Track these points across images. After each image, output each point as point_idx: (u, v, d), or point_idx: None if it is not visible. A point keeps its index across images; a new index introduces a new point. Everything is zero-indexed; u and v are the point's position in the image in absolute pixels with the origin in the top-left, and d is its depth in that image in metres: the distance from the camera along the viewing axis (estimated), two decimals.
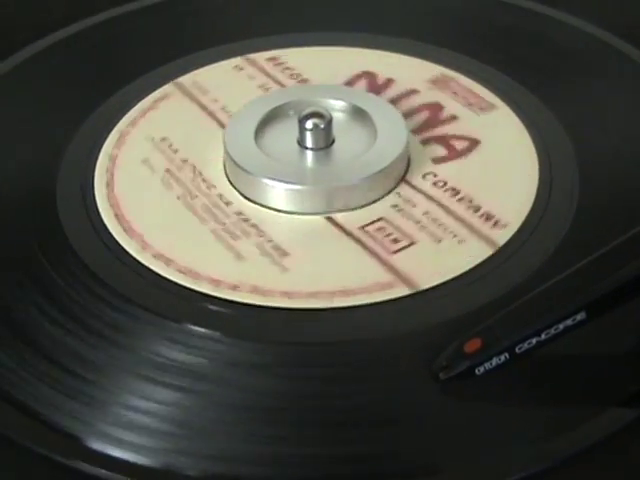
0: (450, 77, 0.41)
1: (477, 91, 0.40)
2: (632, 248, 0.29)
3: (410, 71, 0.41)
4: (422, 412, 0.30)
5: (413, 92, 0.40)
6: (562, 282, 0.29)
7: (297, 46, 0.43)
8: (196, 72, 0.42)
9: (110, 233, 0.35)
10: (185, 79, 0.42)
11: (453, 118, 0.39)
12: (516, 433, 0.29)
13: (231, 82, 0.41)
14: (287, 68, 0.42)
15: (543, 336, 0.29)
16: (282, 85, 0.41)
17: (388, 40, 0.43)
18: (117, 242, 0.35)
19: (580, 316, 0.29)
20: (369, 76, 0.41)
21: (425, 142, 0.38)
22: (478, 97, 0.40)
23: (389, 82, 0.41)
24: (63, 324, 0.32)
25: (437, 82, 0.41)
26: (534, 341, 0.29)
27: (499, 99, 0.40)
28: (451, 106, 0.40)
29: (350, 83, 0.41)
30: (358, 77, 0.41)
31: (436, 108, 0.39)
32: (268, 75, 0.41)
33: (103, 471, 0.28)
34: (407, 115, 0.39)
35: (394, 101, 0.40)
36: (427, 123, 0.39)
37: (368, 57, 0.42)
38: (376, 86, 0.41)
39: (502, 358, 0.29)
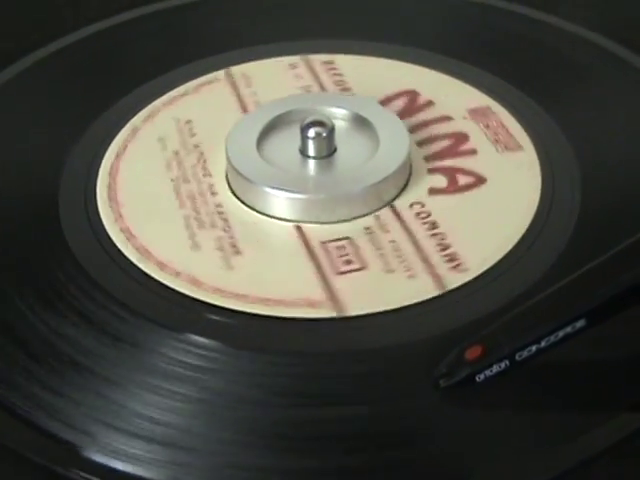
0: (491, 110, 0.40)
1: (511, 129, 0.39)
2: (632, 256, 0.29)
3: (454, 97, 0.40)
4: (422, 421, 0.29)
5: (447, 119, 0.39)
6: (562, 289, 0.29)
7: (355, 54, 0.43)
8: (250, 64, 0.42)
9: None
10: (236, 69, 0.42)
11: (472, 152, 0.38)
12: (518, 442, 0.29)
13: (277, 79, 0.42)
14: (337, 74, 0.42)
15: (543, 343, 0.29)
16: (324, 89, 0.41)
17: (447, 61, 0.42)
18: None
19: (580, 323, 0.29)
20: (411, 95, 0.40)
21: (431, 171, 0.37)
22: (509, 135, 0.38)
23: (428, 104, 0.40)
24: (63, 333, 0.32)
25: (476, 113, 0.39)
26: (534, 348, 0.29)
27: (530, 140, 0.38)
28: (477, 139, 0.38)
29: (389, 99, 0.40)
30: (399, 95, 0.40)
31: (461, 138, 0.38)
32: (316, 77, 0.41)
33: None
34: (426, 142, 0.38)
35: (422, 125, 0.39)
36: (442, 153, 0.38)
37: (419, 75, 0.41)
38: (413, 107, 0.40)
39: (502, 365, 0.29)
